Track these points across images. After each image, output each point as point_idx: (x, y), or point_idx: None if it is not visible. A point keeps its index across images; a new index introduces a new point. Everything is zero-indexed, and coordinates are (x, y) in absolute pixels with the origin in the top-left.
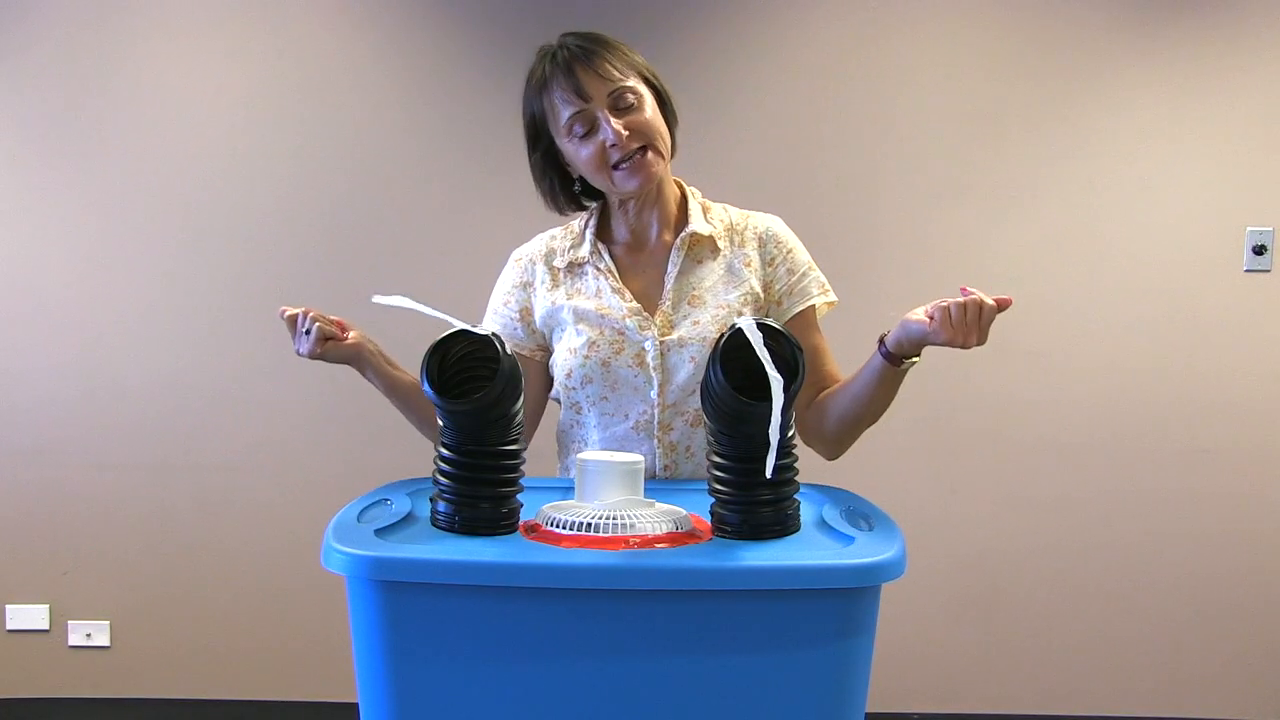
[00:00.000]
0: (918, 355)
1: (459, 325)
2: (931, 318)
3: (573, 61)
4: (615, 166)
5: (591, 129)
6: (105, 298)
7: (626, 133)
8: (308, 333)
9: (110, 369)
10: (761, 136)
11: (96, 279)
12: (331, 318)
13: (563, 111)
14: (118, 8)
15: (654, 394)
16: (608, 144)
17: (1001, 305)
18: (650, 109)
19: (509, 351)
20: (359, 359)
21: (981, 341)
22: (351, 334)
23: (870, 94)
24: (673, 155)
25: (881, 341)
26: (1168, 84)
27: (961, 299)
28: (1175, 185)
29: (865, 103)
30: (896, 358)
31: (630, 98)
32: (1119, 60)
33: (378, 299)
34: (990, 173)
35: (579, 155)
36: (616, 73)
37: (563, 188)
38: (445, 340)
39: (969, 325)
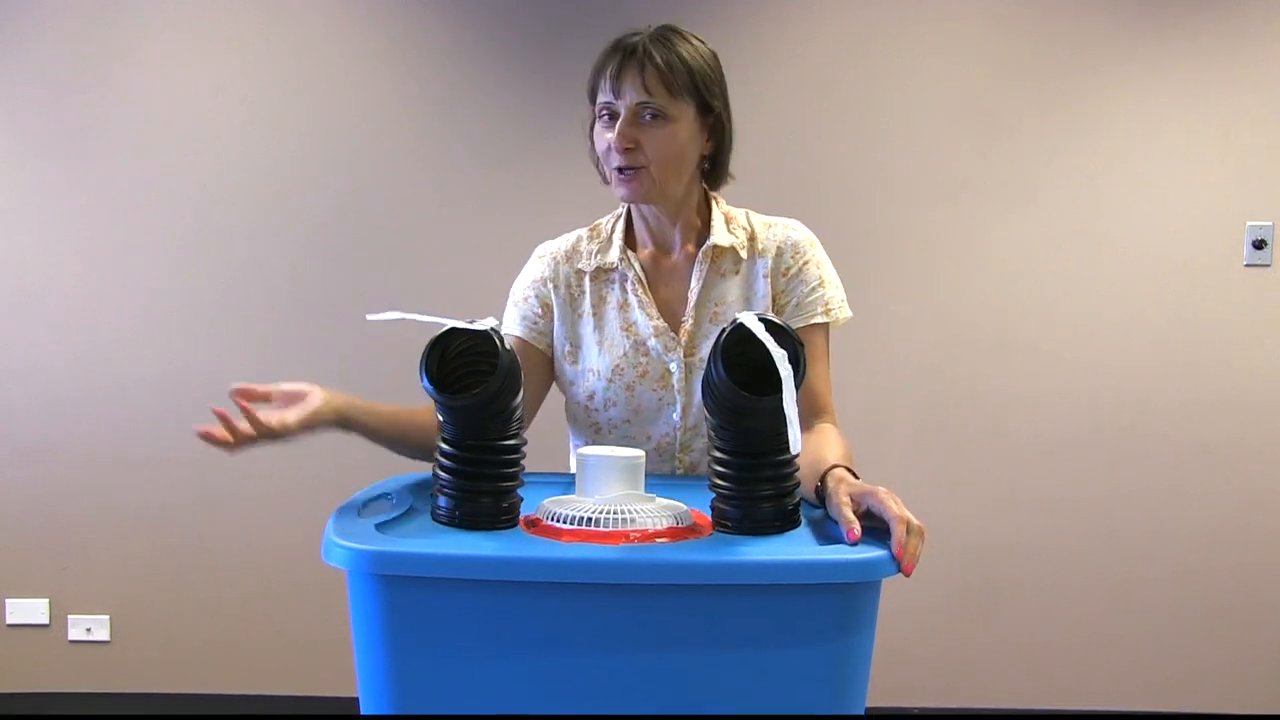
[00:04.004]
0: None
1: (451, 324)
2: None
3: (627, 60)
4: (614, 167)
5: (612, 122)
6: (105, 294)
7: (630, 146)
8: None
9: (111, 365)
10: (760, 133)
11: (96, 276)
12: (261, 390)
13: (599, 96)
14: (119, 4)
15: (676, 416)
16: (612, 144)
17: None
18: (675, 135)
19: (508, 346)
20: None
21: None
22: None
23: (869, 91)
24: (719, 183)
25: (820, 487)
26: (1168, 80)
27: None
28: (1175, 180)
29: (864, 99)
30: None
31: (657, 116)
32: (1119, 56)
33: (372, 318)
34: (991, 169)
35: (596, 138)
36: (661, 88)
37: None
38: (444, 336)
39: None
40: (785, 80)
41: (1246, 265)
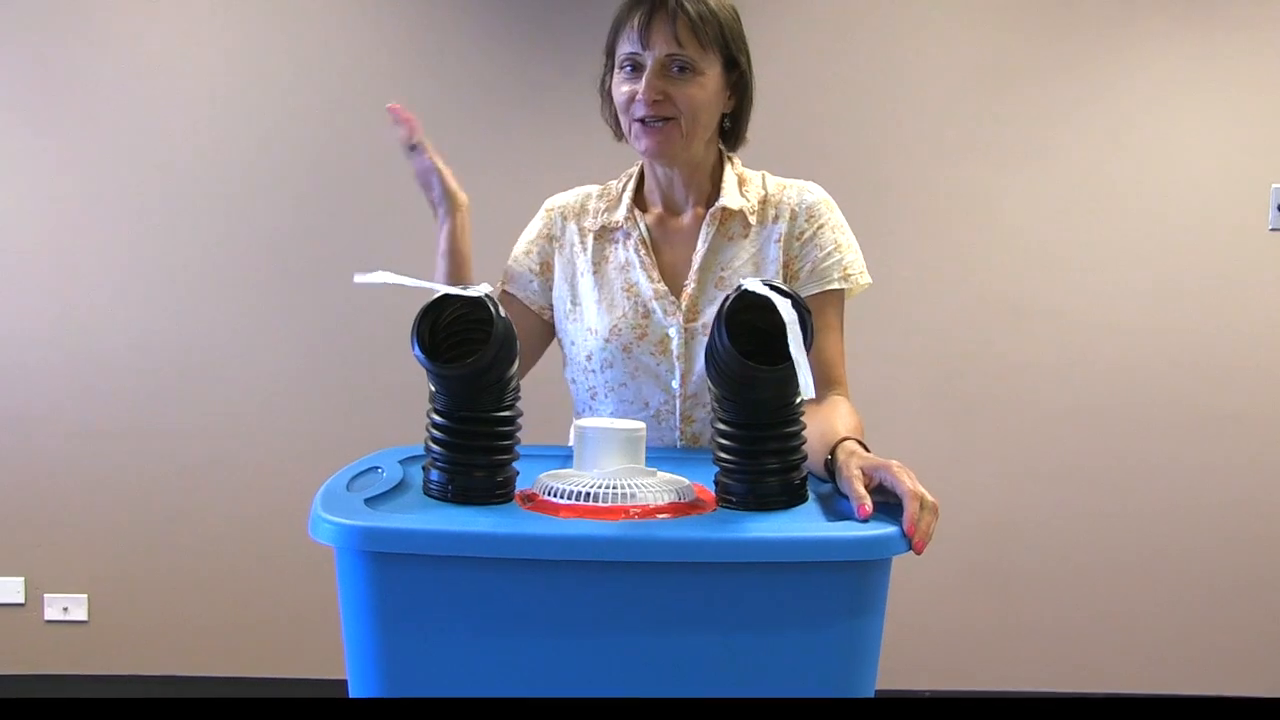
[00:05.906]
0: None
1: (443, 291)
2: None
3: (656, 10)
4: (636, 119)
5: (637, 74)
6: (81, 260)
7: (658, 98)
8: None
9: (87, 336)
10: (770, 91)
11: (71, 241)
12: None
13: (623, 47)
14: None
15: (675, 383)
16: (637, 95)
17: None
18: (704, 88)
19: (503, 314)
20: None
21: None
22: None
23: (884, 48)
24: (737, 144)
25: (830, 460)
26: (1190, 37)
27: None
28: (1198, 141)
29: (879, 57)
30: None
31: (686, 69)
32: (1140, 12)
33: (359, 280)
34: (1007, 129)
35: (616, 90)
36: (692, 40)
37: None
38: (437, 303)
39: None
40: (795, 36)
41: (1271, 229)
